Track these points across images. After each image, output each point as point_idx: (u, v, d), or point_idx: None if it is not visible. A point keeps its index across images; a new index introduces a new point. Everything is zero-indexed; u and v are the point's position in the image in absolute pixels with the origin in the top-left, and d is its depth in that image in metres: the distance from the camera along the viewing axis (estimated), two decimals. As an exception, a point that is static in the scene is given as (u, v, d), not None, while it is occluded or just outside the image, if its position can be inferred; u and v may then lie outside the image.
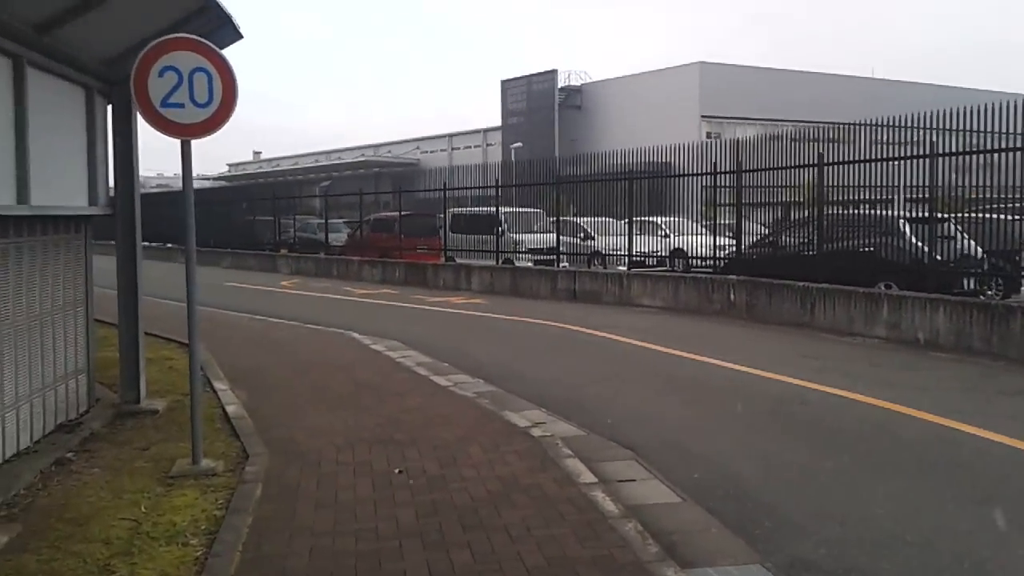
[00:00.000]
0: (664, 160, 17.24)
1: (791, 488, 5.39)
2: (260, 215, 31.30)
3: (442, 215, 23.59)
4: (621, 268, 18.67)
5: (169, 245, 37.15)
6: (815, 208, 13.41)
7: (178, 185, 63.43)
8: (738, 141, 15.31)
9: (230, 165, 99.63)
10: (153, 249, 38.73)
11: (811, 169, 13.54)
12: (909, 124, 13.04)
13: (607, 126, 55.72)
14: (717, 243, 17.44)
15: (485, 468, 5.53)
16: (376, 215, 26.45)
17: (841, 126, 14.50)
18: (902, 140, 13.23)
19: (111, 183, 7.40)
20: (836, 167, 13.17)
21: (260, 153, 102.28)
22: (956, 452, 6.08)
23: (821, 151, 13.45)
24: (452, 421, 6.84)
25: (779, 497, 5.21)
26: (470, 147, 70.59)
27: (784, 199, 15.21)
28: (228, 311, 15.41)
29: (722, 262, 15.73)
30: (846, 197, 13.50)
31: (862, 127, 13.51)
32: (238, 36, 8.89)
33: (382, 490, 5.14)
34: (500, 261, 20.50)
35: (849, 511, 4.94)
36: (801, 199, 14.51)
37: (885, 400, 7.59)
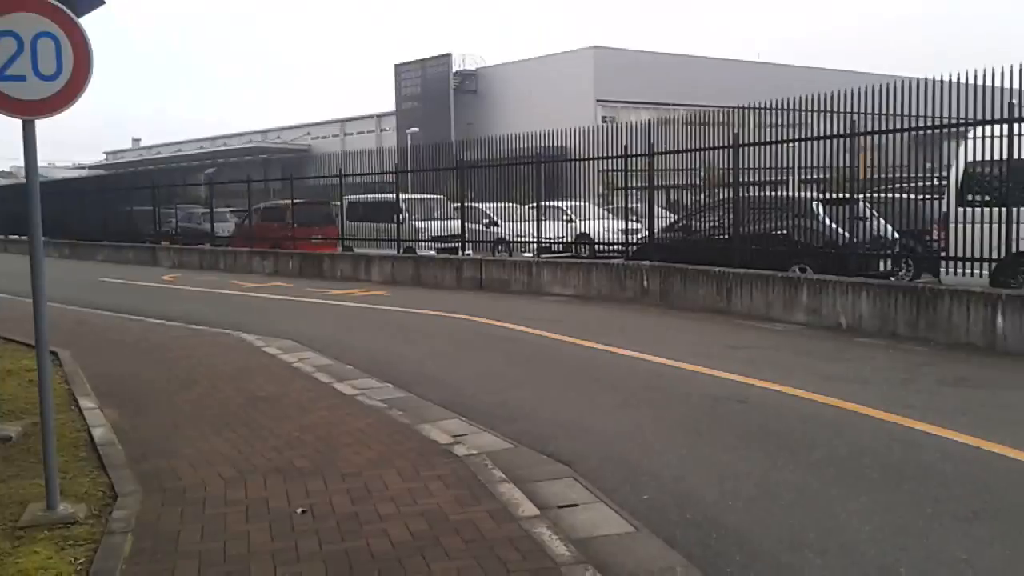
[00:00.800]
0: (565, 144, 16.67)
1: (753, 508, 4.77)
2: (139, 205, 29.23)
3: (337, 203, 22.41)
4: (527, 255, 18.04)
5: (43, 238, 34.45)
6: (731, 191, 13.02)
7: (52, 174, 59.77)
8: (649, 123, 14.81)
9: (107, 153, 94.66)
10: (19, 243, 35.93)
11: (725, 151, 13.14)
12: (812, 107, 12.77)
13: (503, 111, 55.14)
14: (625, 227, 17.06)
15: (406, 501, 4.70)
16: (266, 203, 24.98)
17: (738, 109, 14.14)
18: (796, 123, 13.04)
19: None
20: (751, 148, 12.81)
21: (140, 140, 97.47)
22: (919, 456, 5.60)
23: (736, 132, 13.07)
24: (362, 440, 5.97)
25: (743, 521, 4.58)
26: (363, 132, 68.89)
27: (692, 182, 14.83)
28: (101, 311, 13.99)
29: (632, 247, 15.25)
30: (760, 179, 13.19)
31: (764, 110, 13.18)
32: (99, 1, 7.73)
33: (282, 538, 4.24)
34: (401, 250, 19.53)
35: (825, 537, 4.35)
36: (714, 182, 14.13)
37: (827, 396, 7.12)
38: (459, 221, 19.17)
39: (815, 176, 12.89)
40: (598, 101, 52.65)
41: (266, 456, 5.62)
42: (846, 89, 11.77)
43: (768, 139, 12.91)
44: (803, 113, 12.77)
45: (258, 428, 6.35)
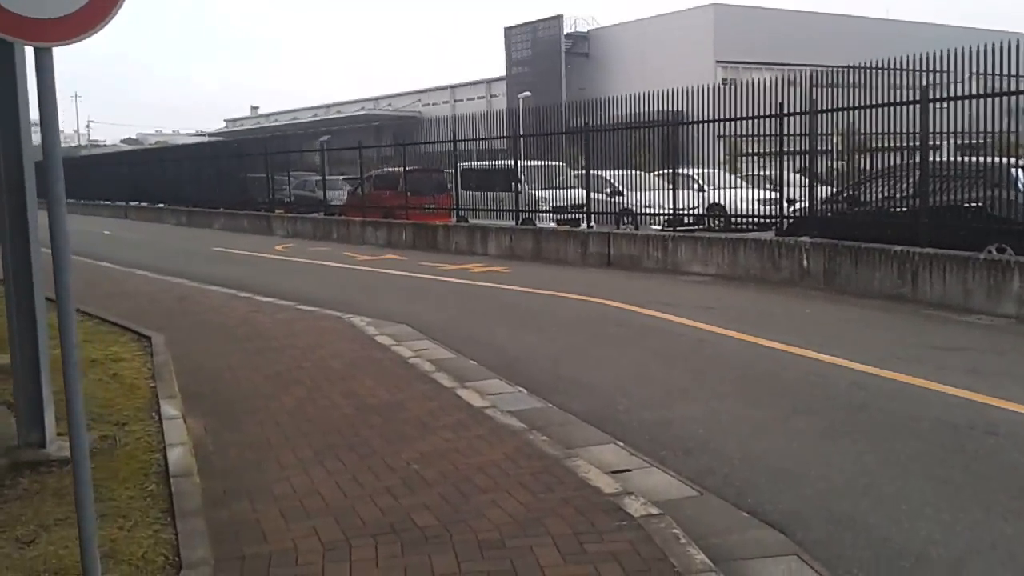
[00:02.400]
0: (683, 107, 14.91)
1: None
2: (253, 172, 28.84)
3: (451, 170, 21.17)
4: (655, 228, 16.38)
5: (160, 205, 34.83)
6: (918, 155, 10.99)
7: (176, 141, 61.07)
8: (811, 77, 12.82)
9: (227, 121, 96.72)
10: (140, 209, 36.44)
11: (908, 108, 11.10)
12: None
13: (617, 74, 52.84)
14: (766, 197, 15.21)
15: (574, 601, 3.28)
16: (378, 171, 23.97)
17: (883, 69, 11.99)
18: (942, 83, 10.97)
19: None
20: (944, 106, 10.75)
21: (258, 108, 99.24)
22: None
23: (925, 84, 11.00)
24: (500, 480, 4.59)
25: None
26: (473, 99, 67.64)
27: (864, 146, 12.79)
28: (209, 286, 13.13)
29: (786, 221, 13.35)
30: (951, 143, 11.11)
31: (913, 72, 11.09)
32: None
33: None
34: (519, 221, 18.13)
35: None
36: (889, 145, 12.07)
37: (1110, 427, 5.33)
38: (580, 190, 17.65)
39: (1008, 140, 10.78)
40: (718, 62, 49.75)
41: (378, 503, 4.30)
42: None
43: (956, 94, 10.81)
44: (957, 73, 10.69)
45: (368, 454, 5.05)
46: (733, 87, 14.74)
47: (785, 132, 13.08)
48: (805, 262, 12.13)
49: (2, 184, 4.91)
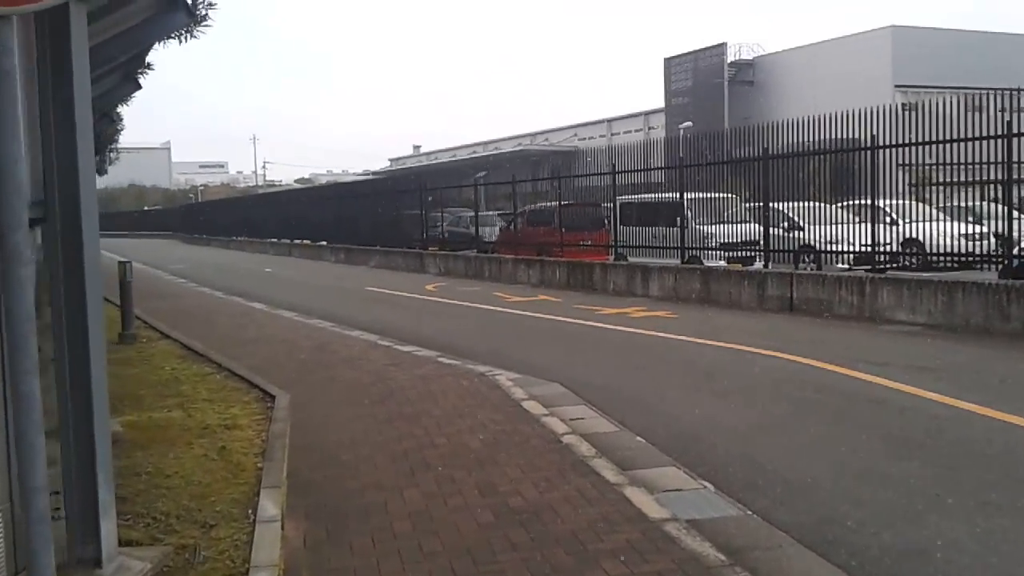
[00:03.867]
0: (860, 134, 13.04)
1: None
2: (410, 209, 28.56)
3: (608, 204, 19.80)
4: (840, 267, 14.37)
5: (322, 243, 35.33)
6: None
7: (344, 180, 63.11)
8: (1002, 99, 10.62)
9: (391, 160, 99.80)
10: (306, 247, 37.15)
11: None
12: None
13: (784, 102, 49.99)
14: (970, 231, 13.12)
15: None
16: (532, 206, 22.93)
17: None
18: None
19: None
20: None
21: (419, 147, 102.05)
22: None
23: None
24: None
25: None
26: (630, 131, 66.21)
27: None
28: (352, 331, 12.29)
29: (1016, 260, 11.10)
30: None
31: None
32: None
33: None
34: (684, 260, 16.48)
35: None
36: None
37: None
38: (753, 225, 15.86)
39: None
40: (897, 87, 46.10)
41: None
42: None
43: None
44: None
45: (507, 596, 3.68)
46: (919, 111, 12.73)
47: (1015, 158, 10.89)
48: (1048, 311, 9.90)
49: (55, 224, 3.90)
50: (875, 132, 12.89)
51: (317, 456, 5.92)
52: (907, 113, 13.01)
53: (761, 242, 15.44)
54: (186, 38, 8.73)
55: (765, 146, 14.76)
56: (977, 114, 11.96)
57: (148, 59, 11.01)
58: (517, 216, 22.73)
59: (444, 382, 8.27)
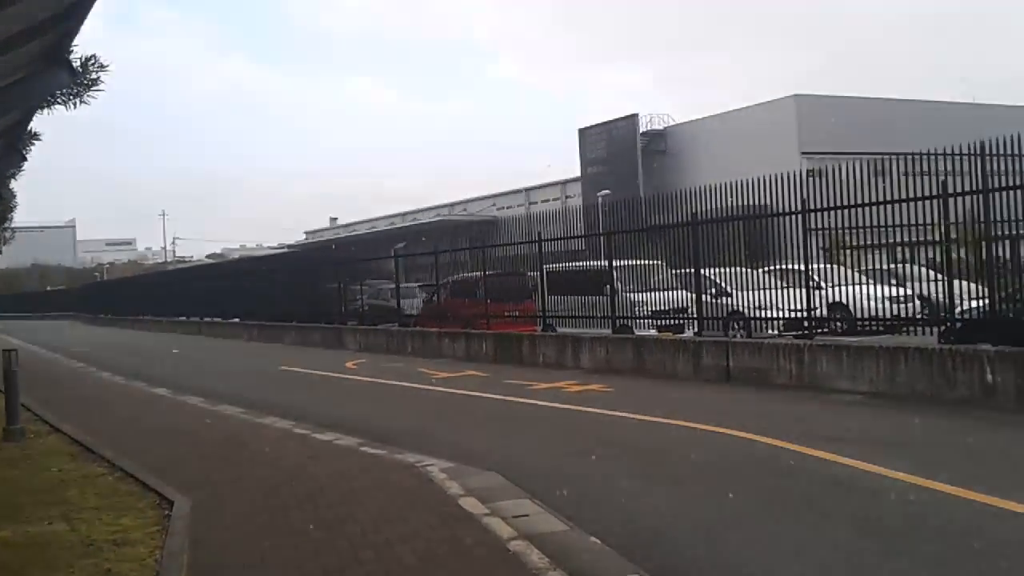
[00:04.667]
0: (766, 199, 13.29)
1: None
2: (326, 283, 27.56)
3: (533, 273, 19.35)
4: (771, 333, 14.14)
5: (234, 319, 33.79)
6: None
7: (258, 255, 61.31)
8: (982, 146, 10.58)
9: (307, 233, 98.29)
10: (216, 324, 35.50)
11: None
12: None
13: (695, 170, 51.13)
14: (895, 294, 13.20)
15: None
16: (455, 276, 22.28)
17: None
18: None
19: None
20: None
21: (336, 219, 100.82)
22: None
23: None
24: None
25: None
26: (548, 200, 66.88)
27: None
28: (265, 418, 11.28)
29: (957, 322, 10.92)
30: None
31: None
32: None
33: None
34: (615, 328, 16.00)
35: None
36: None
37: None
38: (681, 292, 15.58)
39: None
40: (803, 154, 47.71)
41: None
42: None
43: None
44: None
45: None
46: (823, 177, 12.90)
47: (949, 218, 10.79)
48: (990, 376, 9.65)
49: None
50: (805, 196, 12.76)
51: (220, 584, 4.99)
52: (827, 178, 12.95)
53: (692, 309, 15.13)
54: (74, 103, 7.82)
55: (693, 211, 14.51)
56: (880, 178, 12.28)
57: (37, 129, 10.08)
58: (440, 287, 22.05)
59: (369, 477, 7.39)
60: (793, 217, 12.86)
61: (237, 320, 33.47)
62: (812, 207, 12.70)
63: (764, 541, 5.50)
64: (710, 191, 14.45)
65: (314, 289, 28.10)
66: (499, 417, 11.02)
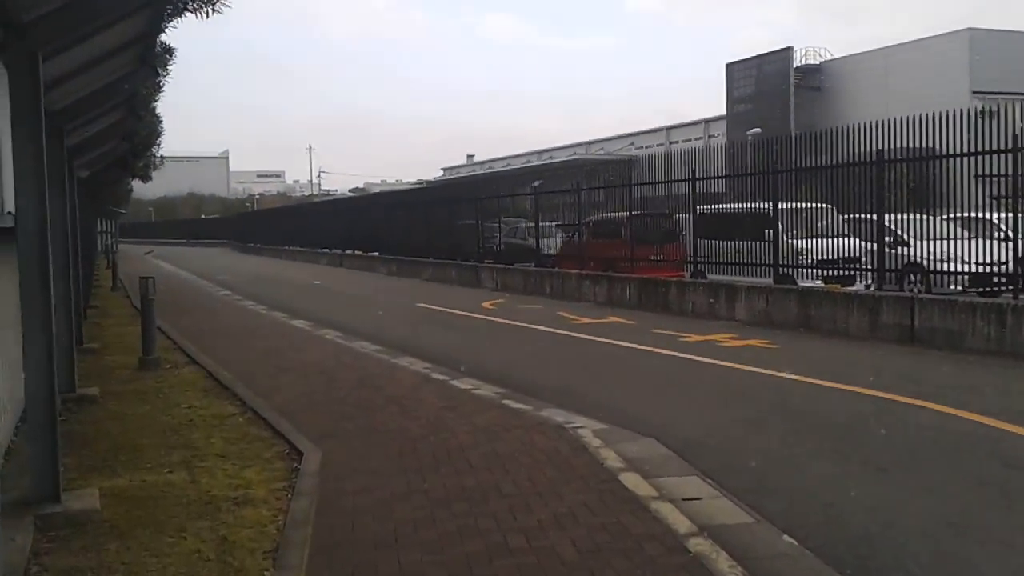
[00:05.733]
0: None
1: None
2: (464, 219, 27.01)
3: (681, 215, 18.03)
4: (955, 288, 12.55)
5: (374, 253, 33.97)
6: None
7: (398, 189, 62.31)
8: None
9: (444, 169, 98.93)
10: (357, 258, 35.86)
11: None
12: None
13: (852, 108, 47.49)
14: None
15: None
16: (596, 217, 21.16)
17: None
18: None
19: None
20: None
21: (473, 156, 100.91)
22: None
23: None
24: None
25: None
26: (689, 140, 64.15)
27: None
28: (402, 358, 10.74)
29: None
30: None
31: None
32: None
33: None
34: (775, 277, 14.58)
35: None
36: None
37: None
38: (851, 239, 13.97)
39: None
40: (974, 93, 43.38)
41: None
42: None
43: None
44: None
45: None
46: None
47: None
48: None
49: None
50: (1017, 132, 10.93)
51: (347, 566, 4.27)
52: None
53: (866, 259, 13.56)
54: (206, 12, 7.13)
55: (879, 147, 12.80)
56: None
57: (172, 45, 9.63)
58: (581, 228, 20.99)
59: (513, 438, 6.58)
60: (1003, 156, 11.05)
61: (376, 254, 33.59)
62: (1021, 146, 10.85)
63: (1008, 555, 4.33)
64: (897, 126, 12.70)
65: (451, 225, 27.63)
66: (651, 372, 10.02)
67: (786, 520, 4.89)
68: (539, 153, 79.61)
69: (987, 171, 11.98)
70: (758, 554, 4.36)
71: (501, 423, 7.07)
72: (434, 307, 18.12)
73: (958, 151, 11.81)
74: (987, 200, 13.31)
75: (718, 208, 16.94)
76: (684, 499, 5.22)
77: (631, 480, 5.47)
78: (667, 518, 4.77)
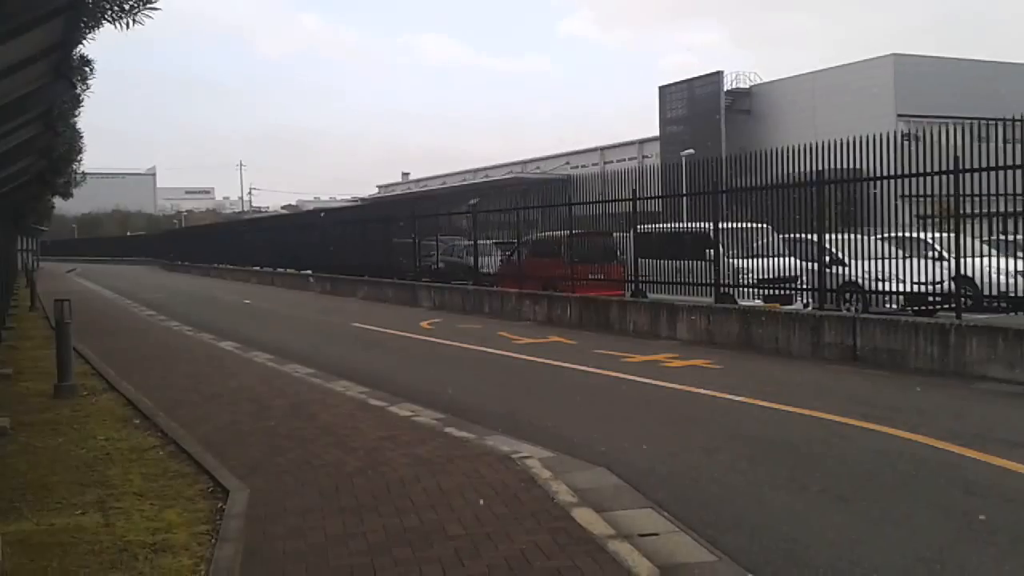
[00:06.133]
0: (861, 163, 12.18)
1: None
2: (400, 237, 26.52)
3: (619, 235, 17.95)
4: (890, 308, 12.79)
5: (306, 271, 33.14)
6: None
7: (332, 205, 61.60)
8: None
9: (379, 187, 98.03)
10: (288, 276, 34.98)
11: None
12: None
13: (782, 132, 48.48)
14: None
15: None
16: (536, 235, 20.93)
17: None
18: None
19: None
20: None
21: (408, 174, 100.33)
22: None
23: None
24: None
25: None
26: (624, 160, 64.72)
27: None
28: (337, 382, 10.30)
29: None
30: None
31: None
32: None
33: None
34: (716, 297, 14.51)
35: None
36: None
37: None
38: (789, 259, 14.04)
39: None
40: (900, 116, 44.72)
41: None
42: None
43: None
44: None
45: None
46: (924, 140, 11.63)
47: None
48: None
49: None
50: (958, 155, 11.05)
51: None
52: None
53: (807, 279, 13.60)
54: (126, 22, 6.66)
55: (819, 168, 12.82)
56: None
57: (90, 56, 9.06)
58: (520, 246, 20.73)
59: (457, 470, 6.19)
60: (943, 177, 11.15)
61: (310, 272, 32.82)
62: (964, 167, 10.96)
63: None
64: (833, 148, 12.74)
65: (387, 243, 27.11)
66: (595, 394, 9.73)
67: (748, 558, 4.62)
68: (475, 171, 79.45)
69: (919, 192, 12.17)
70: (679, 561, 4.08)
71: (444, 454, 6.67)
72: (370, 327, 17.61)
73: (897, 172, 11.91)
74: (912, 220, 13.59)
75: (658, 227, 16.85)
76: (640, 535, 4.93)
77: (585, 516, 5.14)
78: (626, 560, 4.44)
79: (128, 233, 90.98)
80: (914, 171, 11.66)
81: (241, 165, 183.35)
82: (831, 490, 5.79)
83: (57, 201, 32.81)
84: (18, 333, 17.10)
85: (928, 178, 11.49)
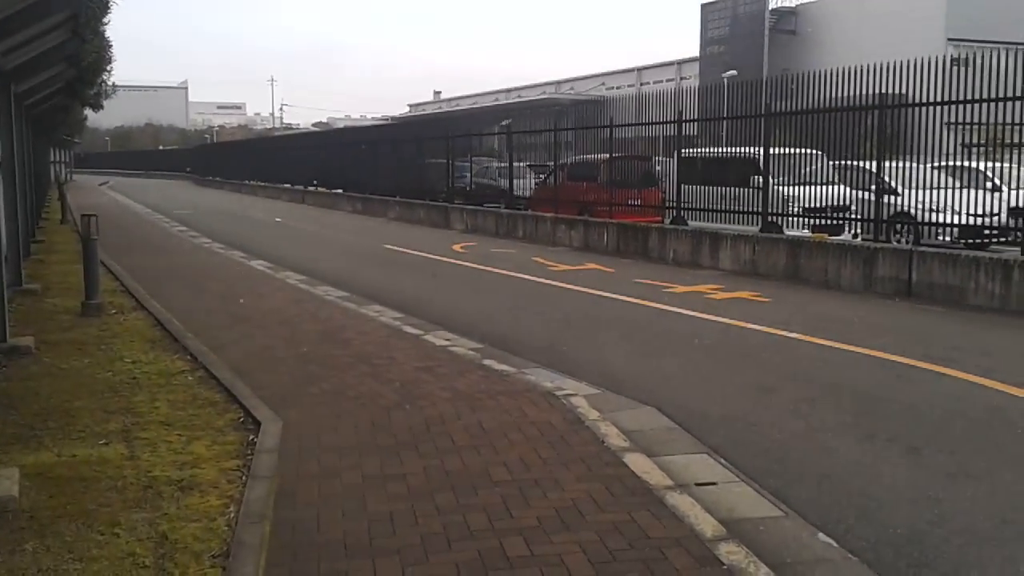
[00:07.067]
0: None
1: None
2: (432, 158, 25.95)
3: (659, 159, 17.30)
4: (943, 239, 12.23)
5: (337, 190, 32.79)
6: None
7: (362, 125, 60.82)
8: None
9: (410, 106, 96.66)
10: (320, 194, 34.64)
11: None
12: None
13: (827, 54, 46.57)
14: None
15: None
16: (573, 158, 20.28)
17: None
18: None
19: None
20: None
21: (440, 93, 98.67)
22: None
23: None
24: None
25: None
26: (661, 81, 62.82)
27: None
28: (370, 307, 10.00)
29: None
30: None
31: None
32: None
33: None
34: (763, 226, 13.93)
35: None
36: None
37: None
38: (840, 187, 13.46)
39: None
40: (949, 40, 42.75)
41: None
42: None
43: None
44: None
45: None
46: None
47: None
48: None
49: None
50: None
51: (307, 563, 3.55)
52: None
53: (858, 209, 12.99)
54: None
55: (878, 91, 12.06)
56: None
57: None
58: (556, 169, 20.12)
59: (499, 407, 5.86)
60: (1001, 105, 10.42)
61: (341, 191, 32.45)
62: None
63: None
64: (890, 70, 11.95)
65: (420, 164, 26.56)
66: (639, 327, 9.33)
67: (818, 513, 4.27)
68: (507, 91, 77.87)
69: (974, 120, 11.40)
70: (798, 559, 3.73)
71: (484, 388, 6.34)
72: (402, 249, 17.26)
73: (950, 98, 11.13)
74: (963, 150, 12.86)
75: (703, 152, 16.17)
76: (697, 484, 4.58)
77: (638, 463, 4.79)
78: (687, 515, 4.09)
79: (160, 147, 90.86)
80: (975, 97, 10.85)
81: (272, 80, 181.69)
82: (901, 439, 5.39)
83: (89, 114, 32.53)
84: (47, 247, 16.97)
85: (985, 105, 10.73)
